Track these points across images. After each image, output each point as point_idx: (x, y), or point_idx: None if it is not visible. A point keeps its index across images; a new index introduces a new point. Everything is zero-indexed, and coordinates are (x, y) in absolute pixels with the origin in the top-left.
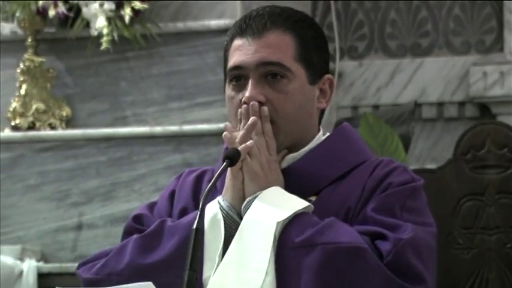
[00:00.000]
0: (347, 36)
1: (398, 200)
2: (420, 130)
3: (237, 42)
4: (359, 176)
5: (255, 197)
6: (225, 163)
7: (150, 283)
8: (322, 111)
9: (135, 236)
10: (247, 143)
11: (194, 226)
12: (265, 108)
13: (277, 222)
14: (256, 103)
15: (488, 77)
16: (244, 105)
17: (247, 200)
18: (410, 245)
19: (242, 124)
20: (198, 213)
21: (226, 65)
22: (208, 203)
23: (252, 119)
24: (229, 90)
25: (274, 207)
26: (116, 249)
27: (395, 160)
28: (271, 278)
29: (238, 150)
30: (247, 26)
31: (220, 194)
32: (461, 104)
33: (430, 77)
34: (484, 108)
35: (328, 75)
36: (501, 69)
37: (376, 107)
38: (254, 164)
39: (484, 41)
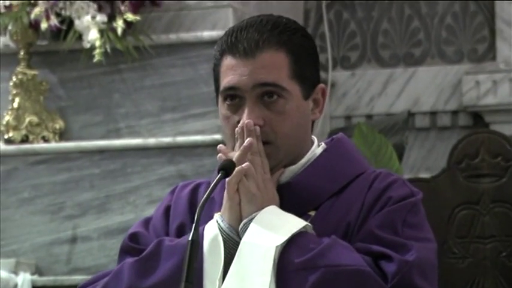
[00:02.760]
0: (339, 46)
1: (400, 216)
2: (414, 139)
3: (229, 61)
4: (358, 189)
5: (252, 219)
6: (220, 174)
7: None
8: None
9: (130, 259)
10: (244, 164)
11: (190, 238)
12: (257, 128)
13: (276, 246)
14: (251, 121)
15: (481, 85)
16: (240, 124)
17: (243, 222)
18: (416, 267)
19: (238, 145)
20: (194, 224)
21: (218, 80)
22: (205, 215)
23: (248, 140)
24: (223, 110)
25: (272, 229)
26: (112, 274)
27: (392, 172)
28: None
29: (232, 161)
30: (238, 43)
31: (219, 206)
32: (455, 113)
33: (423, 86)
34: (477, 117)
35: (321, 85)
36: (494, 78)
37: (369, 116)
38: (251, 185)
39: (477, 50)
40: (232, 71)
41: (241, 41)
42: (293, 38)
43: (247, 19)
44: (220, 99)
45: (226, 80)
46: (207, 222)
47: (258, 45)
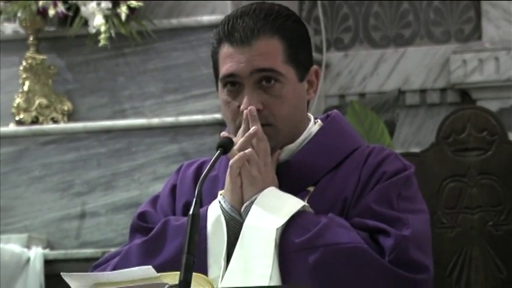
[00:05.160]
0: (333, 29)
1: (395, 190)
2: (404, 116)
3: (227, 49)
4: (353, 165)
5: (253, 201)
6: (218, 151)
7: (150, 267)
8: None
9: (138, 241)
10: (246, 151)
11: (191, 212)
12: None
13: (277, 229)
14: (254, 108)
15: (468, 64)
16: (245, 111)
17: (245, 204)
18: (412, 241)
19: (241, 130)
20: (194, 199)
21: (217, 67)
22: (209, 192)
23: (253, 128)
24: (224, 95)
25: (272, 211)
26: (122, 254)
27: (385, 147)
28: (275, 282)
29: (231, 138)
30: (234, 32)
31: (223, 184)
32: (443, 91)
33: (412, 66)
34: (465, 94)
35: (314, 67)
36: (480, 57)
37: (362, 95)
38: (253, 169)
39: (463, 30)
40: (230, 59)
41: (237, 29)
42: (286, 24)
43: (241, 8)
44: (220, 85)
45: (225, 68)
46: (212, 199)
47: (254, 33)
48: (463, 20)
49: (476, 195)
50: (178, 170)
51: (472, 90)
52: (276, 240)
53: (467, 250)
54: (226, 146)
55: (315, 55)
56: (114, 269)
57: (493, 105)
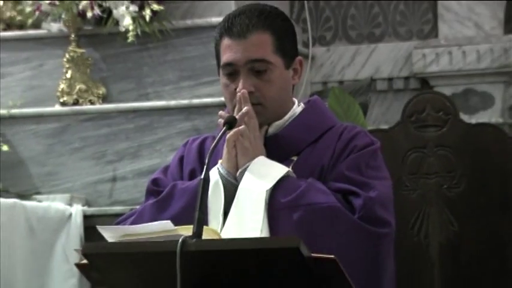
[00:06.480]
0: (317, 28)
1: (364, 160)
2: (375, 99)
3: (227, 41)
4: (330, 139)
5: (246, 168)
6: (224, 127)
7: (169, 221)
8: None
9: (150, 201)
10: (240, 127)
11: (202, 176)
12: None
13: (266, 190)
14: (246, 91)
15: (427, 57)
16: (238, 94)
17: (240, 170)
18: (377, 201)
19: (236, 110)
20: (205, 166)
21: (219, 57)
22: (211, 160)
23: (245, 109)
24: (224, 79)
25: (262, 176)
26: (137, 213)
27: (356, 125)
28: (265, 234)
29: (235, 117)
30: (233, 27)
31: (221, 153)
32: (407, 79)
33: (382, 58)
34: (424, 82)
35: (299, 57)
36: (436, 51)
37: (341, 82)
38: (245, 142)
39: (423, 30)
40: (229, 50)
41: (235, 25)
42: (275, 22)
43: (239, 8)
44: (221, 71)
45: (225, 57)
46: (213, 166)
47: (249, 28)
48: (423, 22)
49: (433, 164)
50: (185, 144)
51: (430, 79)
52: (265, 200)
53: (426, 208)
54: (231, 123)
55: (303, 50)
56: (131, 225)
57: (447, 91)
